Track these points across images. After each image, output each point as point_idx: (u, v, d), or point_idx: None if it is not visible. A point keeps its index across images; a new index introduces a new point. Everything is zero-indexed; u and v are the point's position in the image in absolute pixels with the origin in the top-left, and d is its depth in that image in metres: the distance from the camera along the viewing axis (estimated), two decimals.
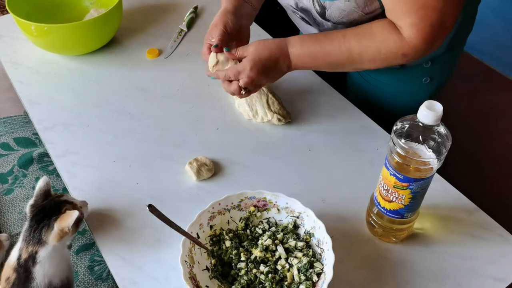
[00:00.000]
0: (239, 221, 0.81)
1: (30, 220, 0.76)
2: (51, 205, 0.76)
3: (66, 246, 0.80)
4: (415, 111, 0.68)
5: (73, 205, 0.78)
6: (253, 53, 0.86)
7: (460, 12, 0.78)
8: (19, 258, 0.75)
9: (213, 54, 0.89)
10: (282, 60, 0.87)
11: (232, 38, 0.94)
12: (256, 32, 1.27)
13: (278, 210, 0.81)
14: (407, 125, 0.69)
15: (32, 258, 0.74)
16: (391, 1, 0.78)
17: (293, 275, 0.74)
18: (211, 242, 0.79)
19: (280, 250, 0.77)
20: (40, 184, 0.79)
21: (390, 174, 0.72)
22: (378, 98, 1.10)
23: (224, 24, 0.91)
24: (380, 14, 0.84)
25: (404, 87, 0.85)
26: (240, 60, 0.88)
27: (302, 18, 0.97)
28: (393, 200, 0.75)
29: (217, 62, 0.89)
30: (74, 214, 0.73)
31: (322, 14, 0.88)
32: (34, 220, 0.75)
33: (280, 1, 0.98)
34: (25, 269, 0.74)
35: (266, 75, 0.87)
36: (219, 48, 0.89)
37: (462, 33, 1.02)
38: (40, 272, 0.74)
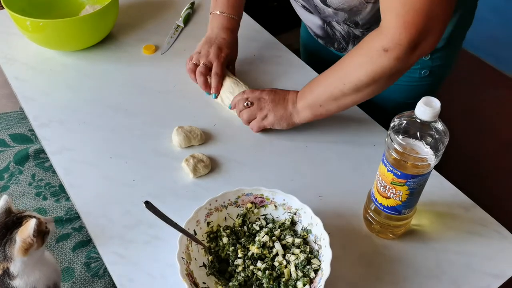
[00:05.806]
0: (236, 218, 0.81)
1: None
2: (12, 221, 0.74)
3: (44, 252, 0.77)
4: (413, 107, 0.67)
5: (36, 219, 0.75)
6: (269, 90, 0.98)
7: (453, 7, 0.74)
8: None
9: (228, 83, 1.01)
10: (291, 103, 0.94)
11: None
12: (253, 28, 1.26)
13: (275, 206, 0.81)
14: (405, 121, 0.69)
15: (7, 274, 0.73)
16: None
17: (290, 272, 0.74)
18: (208, 238, 0.79)
19: (277, 246, 0.76)
20: (1, 203, 0.76)
21: (388, 171, 0.72)
22: None
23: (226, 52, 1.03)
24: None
25: (402, 80, 0.84)
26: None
27: (303, 6, 0.98)
28: (391, 197, 0.75)
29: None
30: (32, 222, 0.71)
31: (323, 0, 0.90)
32: None
33: None
34: (2, 283, 0.74)
35: (274, 104, 0.95)
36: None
37: (461, 26, 1.01)
38: (21, 283, 0.73)
